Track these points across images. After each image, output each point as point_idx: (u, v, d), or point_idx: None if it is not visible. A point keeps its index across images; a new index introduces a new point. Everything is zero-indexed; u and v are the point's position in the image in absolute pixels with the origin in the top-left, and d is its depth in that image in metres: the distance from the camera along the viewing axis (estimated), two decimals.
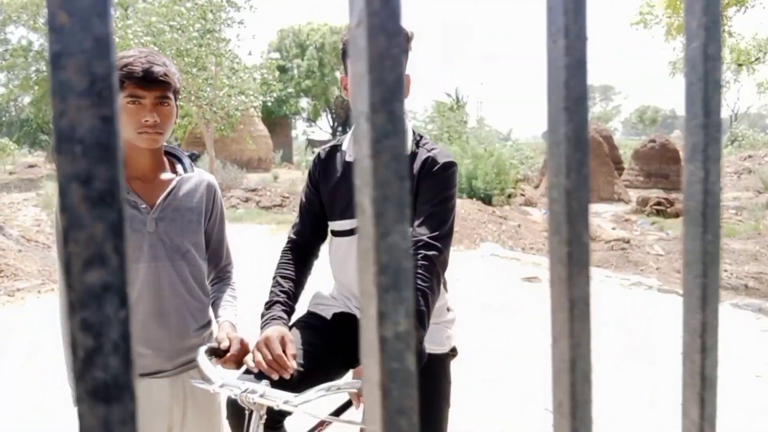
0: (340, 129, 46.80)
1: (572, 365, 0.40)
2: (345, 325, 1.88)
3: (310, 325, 1.87)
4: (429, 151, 1.76)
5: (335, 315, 1.88)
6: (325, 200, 1.90)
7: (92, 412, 0.27)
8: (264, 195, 15.49)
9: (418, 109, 31.99)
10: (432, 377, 1.55)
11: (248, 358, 1.59)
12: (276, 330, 1.63)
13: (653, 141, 27.57)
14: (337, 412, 1.59)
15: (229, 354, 1.63)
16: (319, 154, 1.96)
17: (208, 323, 1.90)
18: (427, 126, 24.08)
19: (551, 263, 0.41)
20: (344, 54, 1.77)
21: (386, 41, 0.29)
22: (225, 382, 1.45)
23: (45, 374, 4.15)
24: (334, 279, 1.98)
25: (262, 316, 1.75)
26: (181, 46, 15.54)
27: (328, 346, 1.81)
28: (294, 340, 1.66)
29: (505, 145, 20.79)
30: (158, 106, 1.65)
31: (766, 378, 4.17)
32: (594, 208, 20.00)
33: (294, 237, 1.96)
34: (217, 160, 18.08)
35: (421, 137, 1.83)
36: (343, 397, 1.60)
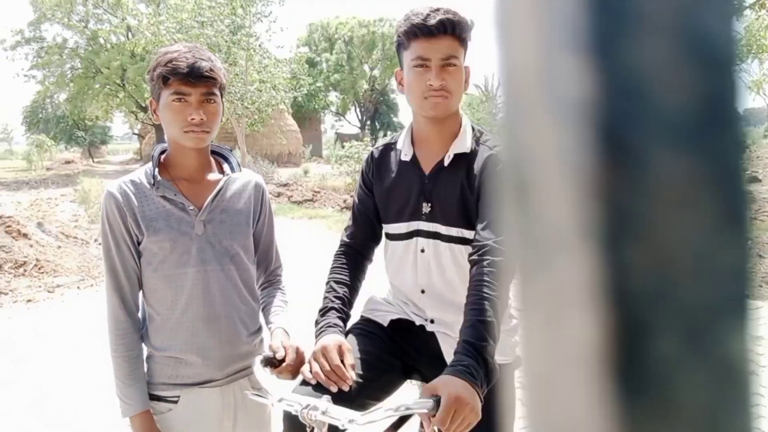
0: (368, 123, 46.76)
1: None
2: (402, 332, 1.80)
3: (366, 332, 1.79)
4: (491, 148, 1.66)
5: (392, 321, 1.80)
6: (379, 202, 1.81)
7: None
8: (295, 190, 15.54)
9: None
10: (497, 389, 1.45)
11: (305, 369, 1.52)
12: (333, 339, 1.56)
13: None
14: (395, 427, 1.51)
15: (285, 364, 1.55)
16: (372, 153, 1.87)
17: (259, 329, 1.83)
18: None
19: None
20: (399, 47, 1.68)
21: None
22: (284, 397, 1.38)
23: (87, 371, 4.18)
24: (389, 284, 1.90)
25: (317, 323, 1.68)
26: (211, 41, 15.62)
27: (386, 355, 1.74)
28: (351, 349, 1.59)
29: None
30: (204, 104, 1.59)
31: None
32: None
33: (347, 240, 1.88)
34: (248, 155, 18.20)
35: (482, 133, 1.73)
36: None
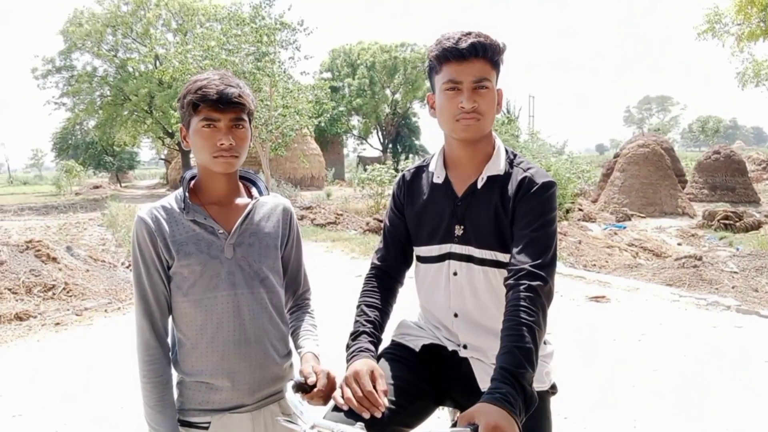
0: (390, 146, 46.98)
1: None
2: (434, 358, 1.76)
3: (398, 357, 1.75)
4: (525, 170, 1.63)
5: (424, 347, 1.77)
6: (411, 224, 1.80)
7: None
8: (318, 212, 15.60)
9: None
10: (533, 417, 1.40)
11: (337, 395, 1.49)
12: (365, 364, 1.53)
13: (717, 152, 26.51)
14: None
15: (316, 389, 1.53)
16: (404, 175, 1.86)
17: (289, 353, 1.82)
18: None
19: None
20: (431, 71, 1.67)
21: None
22: (316, 423, 1.36)
23: (115, 395, 4.18)
24: (420, 307, 1.87)
25: (348, 347, 1.65)
26: (237, 68, 15.90)
27: (418, 381, 1.70)
28: (384, 375, 1.56)
29: (560, 159, 20.29)
30: (233, 129, 1.61)
31: None
32: (658, 222, 19.27)
33: (378, 263, 1.86)
34: (272, 179, 18.36)
35: (515, 155, 1.71)
36: None
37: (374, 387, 1.48)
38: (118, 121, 33.92)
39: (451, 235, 1.69)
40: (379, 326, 1.71)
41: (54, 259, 8.02)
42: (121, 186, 46.05)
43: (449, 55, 1.56)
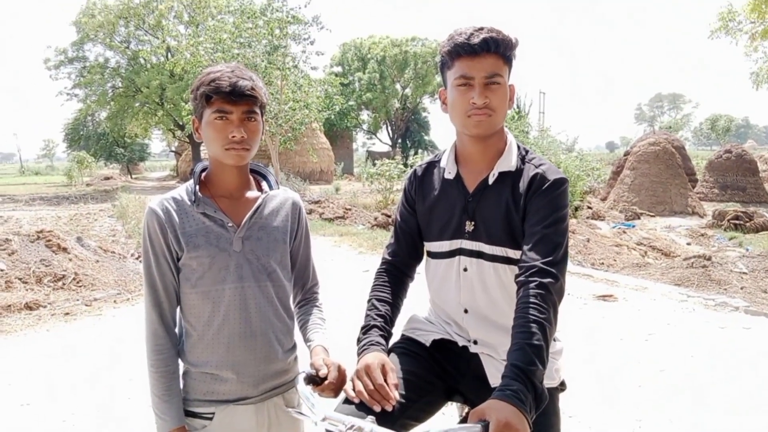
0: (399, 141, 46.92)
1: None
2: (444, 353, 1.76)
3: (408, 351, 1.76)
4: (537, 167, 1.63)
5: (434, 342, 1.77)
6: (422, 220, 1.80)
7: None
8: (327, 207, 15.61)
9: None
10: (543, 414, 1.40)
11: (348, 387, 1.50)
12: (376, 357, 1.54)
13: (729, 151, 26.28)
14: None
15: (327, 382, 1.54)
16: (415, 170, 1.86)
17: (294, 347, 1.83)
18: None
19: None
20: (443, 66, 1.67)
21: None
22: (327, 416, 1.36)
23: (123, 385, 4.22)
24: (430, 303, 1.87)
25: (359, 340, 1.66)
26: (249, 61, 15.92)
27: (428, 375, 1.70)
28: (395, 368, 1.57)
29: (570, 156, 20.18)
30: (245, 122, 1.61)
31: None
32: (667, 221, 19.15)
33: (389, 258, 1.86)
34: (281, 173, 18.38)
35: (527, 151, 1.70)
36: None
37: (385, 380, 1.48)
38: (129, 113, 34.07)
39: (461, 230, 1.69)
40: (389, 320, 1.72)
41: (64, 250, 8.08)
42: (131, 177, 46.31)
43: (461, 50, 1.56)
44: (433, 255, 1.79)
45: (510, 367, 1.34)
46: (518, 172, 1.65)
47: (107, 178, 39.34)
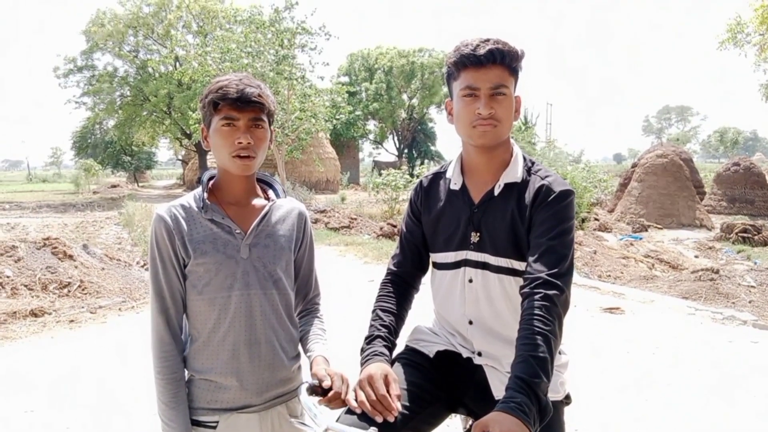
0: (406, 151, 47.00)
1: None
2: (448, 364, 1.75)
3: (412, 362, 1.75)
4: (543, 178, 1.62)
5: (438, 353, 1.76)
6: (427, 231, 1.80)
7: None
8: (332, 216, 15.63)
9: None
10: (547, 427, 1.39)
11: (350, 398, 1.50)
12: (379, 368, 1.53)
13: (737, 164, 26.17)
14: None
15: (333, 392, 1.53)
16: (421, 182, 1.86)
17: (298, 356, 1.82)
18: None
19: None
20: (449, 77, 1.67)
21: None
22: (330, 426, 1.36)
23: (126, 392, 4.21)
24: (435, 314, 1.86)
25: (363, 350, 1.66)
26: (257, 71, 16.01)
27: (431, 387, 1.69)
28: (397, 379, 1.56)
29: (577, 168, 20.15)
30: (252, 129, 1.63)
31: None
32: (675, 234, 19.06)
33: (394, 269, 1.86)
34: (287, 182, 18.43)
35: (533, 163, 1.70)
36: None
37: (388, 391, 1.48)
38: (137, 122, 34.28)
39: (467, 242, 1.68)
40: (393, 331, 1.72)
41: (70, 257, 8.10)
42: (138, 186, 46.51)
43: (467, 61, 1.56)
44: (438, 266, 1.79)
45: (514, 379, 1.32)
46: (524, 184, 1.64)
47: (114, 186, 39.53)
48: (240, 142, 1.60)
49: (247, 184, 1.73)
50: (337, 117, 19.48)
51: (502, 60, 1.56)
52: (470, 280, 1.69)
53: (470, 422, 1.78)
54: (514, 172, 1.66)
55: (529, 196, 1.61)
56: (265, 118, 1.66)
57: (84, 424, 3.78)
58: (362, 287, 7.68)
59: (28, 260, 7.67)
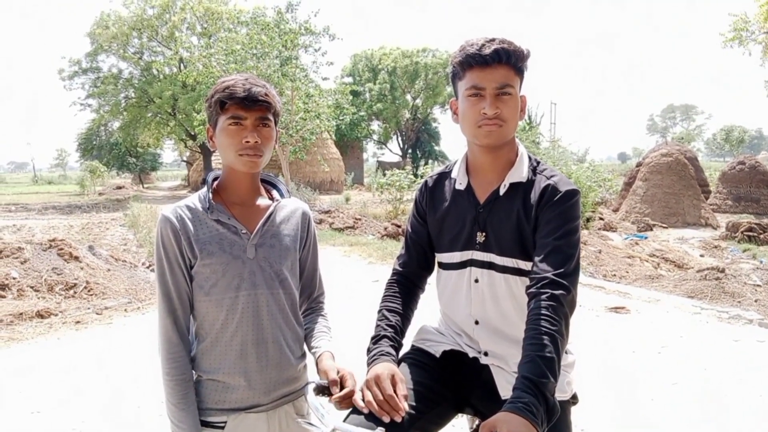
0: (410, 151, 46.98)
1: None
2: (454, 364, 1.75)
3: (419, 362, 1.75)
4: (548, 178, 1.62)
5: (444, 353, 1.76)
6: (433, 231, 1.80)
7: None
8: (337, 217, 15.63)
9: None
10: (554, 427, 1.39)
11: (357, 398, 1.50)
12: (386, 368, 1.54)
13: (742, 163, 26.09)
14: None
15: (345, 391, 1.54)
16: (426, 182, 1.86)
17: (304, 355, 1.83)
18: None
19: None
20: (454, 77, 1.67)
21: None
22: (336, 426, 1.37)
23: (132, 393, 4.22)
24: (441, 314, 1.86)
25: (369, 350, 1.66)
26: (261, 72, 16.03)
27: (438, 387, 1.69)
28: (404, 379, 1.56)
29: (581, 167, 20.11)
30: (259, 128, 1.64)
31: None
32: (680, 233, 19.00)
33: (400, 269, 1.87)
34: (291, 183, 18.45)
35: (539, 163, 1.70)
36: None
37: (395, 391, 1.48)
38: (141, 123, 34.36)
39: (472, 241, 1.68)
40: (400, 331, 1.72)
41: (76, 258, 8.13)
42: (143, 187, 46.63)
43: (472, 61, 1.56)
44: (443, 266, 1.79)
45: (521, 379, 1.32)
46: (529, 183, 1.64)
47: (119, 188, 39.64)
48: (247, 141, 1.61)
49: (252, 183, 1.74)
50: (341, 117, 19.49)
51: (508, 60, 1.56)
52: (476, 280, 1.69)
53: (477, 422, 1.78)
54: (520, 172, 1.66)
55: (534, 195, 1.61)
56: (271, 118, 1.67)
57: (91, 426, 3.80)
58: (367, 287, 7.68)
59: (34, 262, 7.70)
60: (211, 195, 1.69)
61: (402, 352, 1.76)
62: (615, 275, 10.37)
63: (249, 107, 1.61)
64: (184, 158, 49.60)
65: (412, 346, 1.85)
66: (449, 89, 39.26)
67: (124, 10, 32.94)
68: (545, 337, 1.36)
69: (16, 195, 35.51)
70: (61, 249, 8.20)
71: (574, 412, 1.74)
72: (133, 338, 5.66)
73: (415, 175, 18.52)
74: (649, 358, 4.98)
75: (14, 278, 7.19)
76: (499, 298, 1.66)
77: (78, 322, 6.24)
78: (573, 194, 1.58)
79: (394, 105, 42.81)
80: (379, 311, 1.76)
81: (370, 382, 1.50)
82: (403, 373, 1.61)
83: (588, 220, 16.98)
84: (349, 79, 42.95)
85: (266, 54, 16.48)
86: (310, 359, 1.79)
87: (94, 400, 4.17)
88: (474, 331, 1.72)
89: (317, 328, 1.84)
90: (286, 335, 1.74)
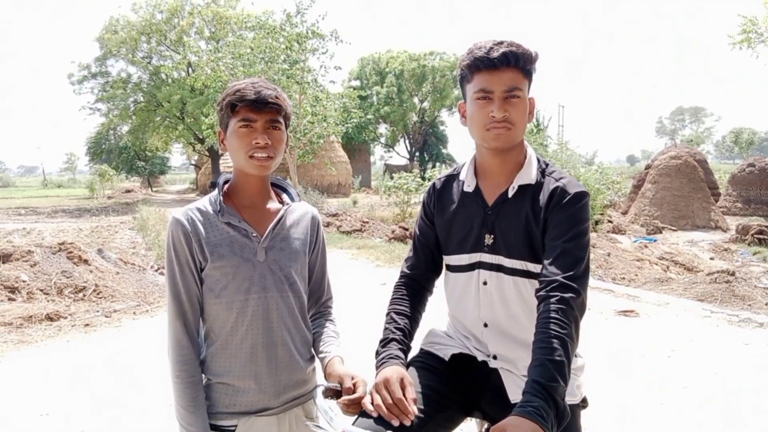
0: (417, 154, 46.98)
1: None
2: (463, 368, 1.75)
3: (427, 366, 1.75)
4: (557, 180, 1.61)
5: (453, 356, 1.75)
6: (441, 233, 1.79)
7: None
8: (344, 220, 15.65)
9: None
10: (564, 431, 1.38)
11: (366, 401, 1.49)
12: (395, 371, 1.53)
13: (752, 165, 25.91)
14: None
15: (355, 396, 1.53)
16: (434, 184, 1.85)
17: (312, 358, 1.83)
18: None
19: None
20: (462, 80, 1.67)
21: None
22: (345, 429, 1.37)
23: (141, 395, 4.23)
24: (449, 316, 1.85)
25: (377, 353, 1.65)
26: (269, 76, 16.08)
27: (446, 390, 1.69)
28: (413, 382, 1.55)
29: (590, 170, 20.04)
30: (269, 130, 1.65)
31: None
32: (690, 236, 18.88)
33: (408, 272, 1.86)
34: (299, 186, 18.48)
35: (547, 165, 1.69)
36: None
37: (404, 395, 1.47)
38: (150, 127, 34.55)
39: (481, 244, 1.68)
40: (408, 334, 1.71)
41: (85, 261, 8.18)
42: (152, 190, 46.87)
43: (481, 64, 1.56)
44: (452, 268, 1.78)
45: (531, 383, 1.32)
46: (538, 186, 1.63)
47: (128, 191, 39.90)
48: (257, 143, 1.62)
49: (262, 187, 1.75)
50: (349, 121, 19.51)
51: (516, 63, 1.55)
52: (485, 283, 1.68)
53: (486, 426, 1.77)
54: (528, 174, 1.65)
55: (543, 198, 1.60)
56: (281, 120, 1.68)
57: (99, 428, 3.81)
58: (374, 290, 7.68)
59: (43, 265, 7.75)
60: (222, 198, 1.70)
61: (410, 356, 1.75)
62: (624, 278, 10.31)
63: (259, 109, 1.62)
64: (193, 162, 49.83)
65: (421, 349, 1.85)
66: (456, 92, 39.33)
67: (132, 15, 33.18)
68: (555, 340, 1.35)
69: (25, 198, 35.77)
70: (71, 252, 8.24)
71: (584, 416, 1.72)
72: (142, 341, 5.68)
73: (423, 178, 18.51)
74: (659, 361, 4.94)
75: (24, 281, 7.23)
76: (507, 300, 1.66)
77: (87, 325, 6.27)
78: (582, 196, 1.57)
79: (401, 108, 42.84)
80: (387, 314, 1.76)
81: (379, 386, 1.49)
82: (411, 376, 1.61)
83: (597, 222, 16.92)
84: (357, 83, 42.99)
85: (274, 58, 16.52)
86: (318, 362, 1.79)
87: (103, 403, 4.18)
88: (483, 334, 1.72)
89: (325, 332, 1.84)
90: (295, 338, 1.74)
